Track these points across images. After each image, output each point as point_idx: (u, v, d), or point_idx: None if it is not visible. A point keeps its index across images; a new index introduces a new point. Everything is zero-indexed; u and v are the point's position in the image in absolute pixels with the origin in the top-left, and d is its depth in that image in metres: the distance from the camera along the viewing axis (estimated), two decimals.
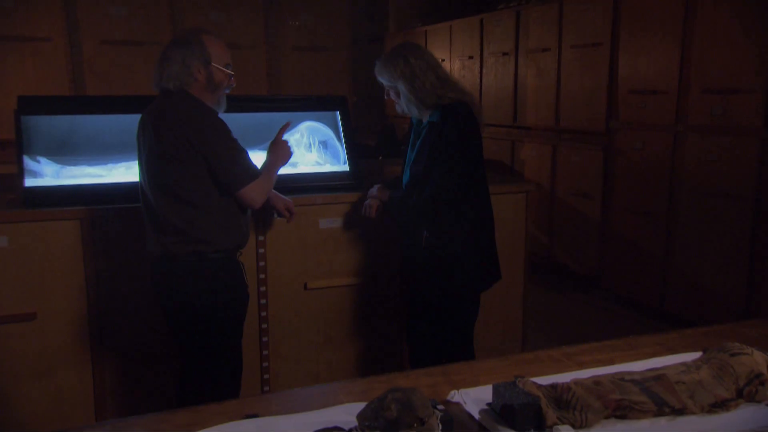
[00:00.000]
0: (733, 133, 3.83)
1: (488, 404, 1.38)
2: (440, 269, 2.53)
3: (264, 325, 2.80)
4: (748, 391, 1.37)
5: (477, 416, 1.36)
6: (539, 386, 1.35)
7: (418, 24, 7.46)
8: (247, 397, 1.55)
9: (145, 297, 2.61)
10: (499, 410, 1.33)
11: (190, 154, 2.13)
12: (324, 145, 3.01)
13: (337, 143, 3.02)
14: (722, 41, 3.85)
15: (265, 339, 2.81)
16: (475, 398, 1.42)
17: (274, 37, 5.02)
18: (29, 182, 2.55)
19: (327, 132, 3.02)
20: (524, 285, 3.15)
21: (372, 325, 2.98)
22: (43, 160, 2.62)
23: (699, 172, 4.05)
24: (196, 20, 4.68)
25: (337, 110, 3.02)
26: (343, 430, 1.26)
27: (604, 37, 4.69)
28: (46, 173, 2.61)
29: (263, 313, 2.79)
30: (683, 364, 1.48)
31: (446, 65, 6.75)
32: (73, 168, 2.66)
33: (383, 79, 2.53)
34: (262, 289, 2.77)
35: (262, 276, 2.77)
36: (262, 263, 2.76)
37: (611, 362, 1.62)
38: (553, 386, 1.36)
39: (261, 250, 2.75)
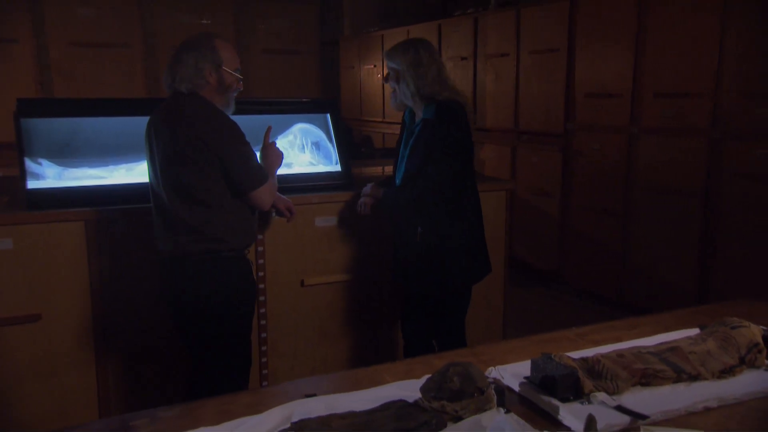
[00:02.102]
0: (683, 135, 4.13)
1: (525, 378, 1.53)
2: (435, 263, 2.66)
3: (263, 322, 2.88)
4: (749, 358, 1.57)
5: (516, 389, 1.51)
6: (573, 359, 1.51)
7: (375, 28, 7.60)
8: (300, 379, 1.65)
9: (150, 297, 2.66)
10: (538, 382, 1.49)
11: (206, 155, 2.20)
12: (316, 146, 3.11)
13: (329, 144, 3.13)
14: (673, 48, 4.15)
15: (263, 335, 2.89)
16: (512, 373, 1.57)
17: (244, 40, 5.07)
18: (32, 184, 2.56)
19: (319, 133, 3.12)
20: (504, 278, 3.34)
21: (366, 319, 3.10)
22: (44, 162, 2.63)
23: (652, 171, 4.34)
24: (166, 22, 4.69)
25: (328, 112, 3.14)
26: (407, 402, 1.38)
27: (560, 44, 4.95)
28: (48, 175, 2.62)
29: (262, 310, 2.87)
30: (689, 337, 1.67)
31: None
32: (74, 170, 2.68)
33: (391, 62, 2.65)
34: (261, 286, 2.85)
35: (260, 274, 2.84)
36: (260, 261, 2.84)
37: (619, 340, 1.80)
38: (584, 359, 1.53)
39: (260, 249, 2.83)
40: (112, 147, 2.75)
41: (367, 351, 3.12)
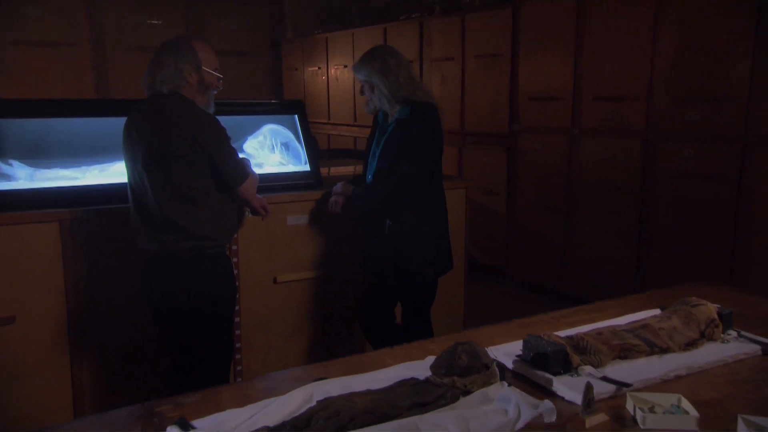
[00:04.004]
0: (620, 136, 4.42)
1: (517, 356, 1.68)
2: (403, 255, 2.76)
3: (236, 318, 2.93)
4: (708, 332, 1.78)
5: (510, 366, 1.66)
6: (560, 338, 1.67)
7: (318, 31, 7.68)
8: (309, 365, 1.74)
9: (125, 297, 2.68)
10: (530, 359, 1.64)
11: (196, 153, 2.26)
12: (286, 146, 3.19)
13: (298, 145, 3.21)
14: (610, 56, 4.43)
15: (237, 332, 2.94)
16: (504, 352, 1.72)
17: None
18: (2, 185, 2.53)
19: (287, 134, 3.20)
20: (465, 273, 3.51)
21: (336, 314, 3.19)
22: (15, 163, 2.60)
23: (592, 169, 4.63)
24: (114, 22, 4.63)
25: (296, 114, 3.22)
26: (419, 379, 1.50)
27: (504, 49, 5.18)
28: (20, 176, 2.60)
29: (236, 307, 2.92)
30: (655, 316, 1.87)
31: (349, 71, 7.04)
32: (46, 171, 2.66)
33: (360, 74, 2.76)
34: (236, 284, 2.90)
35: (234, 272, 2.89)
36: (234, 259, 2.89)
37: (591, 321, 1.98)
38: (569, 337, 1.69)
39: (234, 247, 2.88)
40: (83, 148, 2.74)
41: (338, 345, 3.22)
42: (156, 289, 2.40)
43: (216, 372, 2.49)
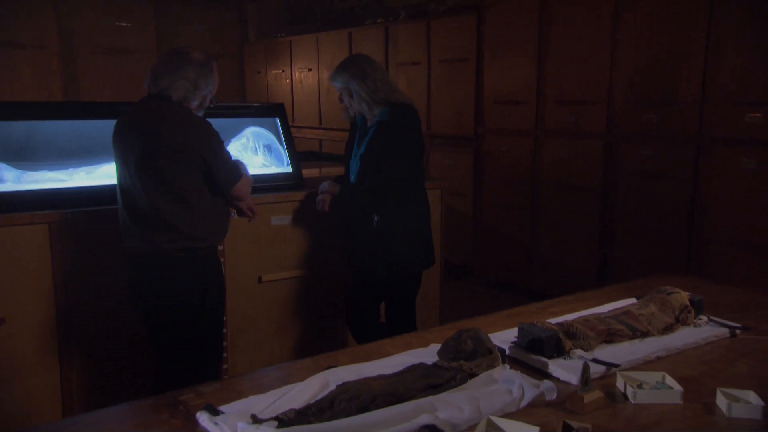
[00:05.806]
0: (582, 137, 4.62)
1: (513, 342, 1.81)
2: (390, 248, 2.86)
3: (223, 317, 2.98)
4: (682, 318, 1.93)
5: (507, 351, 1.78)
6: (552, 324, 1.80)
7: (281, 34, 7.72)
8: (319, 355, 1.83)
9: (113, 298, 2.70)
10: (525, 344, 1.76)
11: (193, 156, 2.31)
12: (268, 148, 3.25)
13: (280, 147, 3.28)
14: (571, 60, 4.63)
15: (224, 330, 2.99)
16: (499, 340, 1.83)
17: (165, 43, 5.06)
18: None
19: (270, 136, 3.27)
20: (441, 271, 3.63)
21: (320, 312, 3.27)
22: (1, 165, 2.60)
23: (556, 170, 4.81)
24: (83, 24, 4.60)
25: (277, 116, 3.29)
26: (427, 364, 1.61)
27: (470, 54, 5.34)
28: (7, 179, 2.60)
29: None
30: (634, 304, 2.02)
31: (314, 74, 7.12)
32: (33, 173, 2.66)
33: (338, 83, 2.85)
34: (224, 283, 2.95)
35: None
36: (221, 259, 2.94)
37: (573, 310, 2.12)
38: (560, 324, 1.82)
39: (220, 247, 2.93)
40: (70, 150, 2.75)
41: (322, 342, 3.29)
42: (146, 289, 2.43)
43: (205, 371, 2.54)
